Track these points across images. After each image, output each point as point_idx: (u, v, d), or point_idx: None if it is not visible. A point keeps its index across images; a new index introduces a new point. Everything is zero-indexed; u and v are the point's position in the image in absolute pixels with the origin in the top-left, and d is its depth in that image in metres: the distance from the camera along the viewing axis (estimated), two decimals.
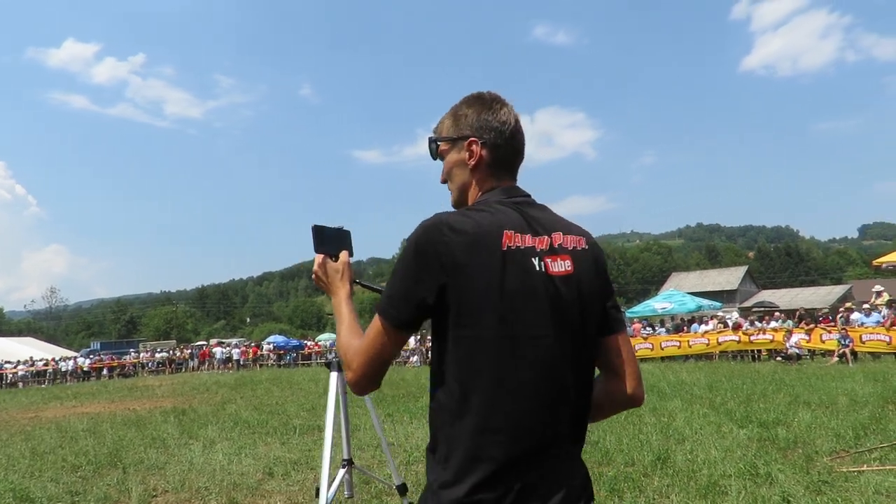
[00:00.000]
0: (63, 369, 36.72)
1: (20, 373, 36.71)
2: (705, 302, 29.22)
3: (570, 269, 1.33)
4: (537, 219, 1.36)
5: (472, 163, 1.43)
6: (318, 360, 35.01)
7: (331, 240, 1.73)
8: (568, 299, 1.30)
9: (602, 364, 1.43)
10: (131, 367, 39.51)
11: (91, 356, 41.46)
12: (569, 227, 1.40)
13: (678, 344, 21.48)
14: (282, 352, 37.72)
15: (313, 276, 1.65)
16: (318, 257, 1.65)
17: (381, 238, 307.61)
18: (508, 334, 1.24)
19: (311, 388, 17.21)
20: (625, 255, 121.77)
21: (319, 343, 40.29)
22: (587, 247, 1.39)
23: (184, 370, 37.92)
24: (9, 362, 38.18)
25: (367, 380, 1.33)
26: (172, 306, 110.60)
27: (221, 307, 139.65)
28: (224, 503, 5.46)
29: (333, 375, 3.26)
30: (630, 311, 28.91)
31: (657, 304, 29.03)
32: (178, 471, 6.76)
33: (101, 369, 37.80)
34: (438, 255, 1.24)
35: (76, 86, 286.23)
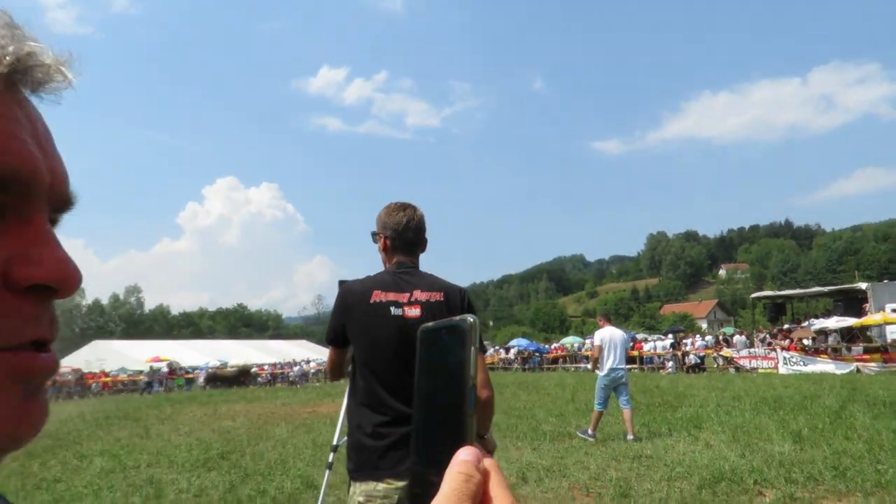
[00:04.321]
0: None
1: (296, 372, 38.96)
2: None
3: (418, 314, 2.18)
4: (406, 281, 2.25)
5: (381, 247, 2.37)
6: (563, 364, 34.55)
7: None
8: (413, 331, 1.80)
9: None
10: None
11: None
12: (431, 285, 2.25)
13: None
14: (526, 355, 37.30)
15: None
16: None
17: (623, 234, 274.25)
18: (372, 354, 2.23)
19: (558, 393, 16.56)
20: None
21: (564, 346, 39.89)
22: (442, 298, 2.23)
23: None
24: (288, 364, 42.74)
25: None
26: None
27: None
28: None
29: None
30: None
31: None
32: None
33: None
34: (345, 303, 2.25)
35: (331, 109, 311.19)
